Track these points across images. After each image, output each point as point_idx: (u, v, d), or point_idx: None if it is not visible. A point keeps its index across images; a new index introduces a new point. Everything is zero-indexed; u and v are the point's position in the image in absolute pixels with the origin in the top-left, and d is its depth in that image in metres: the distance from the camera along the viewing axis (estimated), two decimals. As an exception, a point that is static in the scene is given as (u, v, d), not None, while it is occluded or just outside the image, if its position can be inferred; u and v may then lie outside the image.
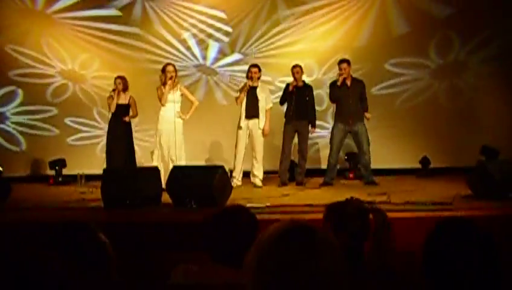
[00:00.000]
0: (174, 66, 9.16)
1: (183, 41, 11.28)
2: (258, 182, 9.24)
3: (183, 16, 11.22)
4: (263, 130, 9.22)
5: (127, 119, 9.30)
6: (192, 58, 11.29)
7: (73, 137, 11.47)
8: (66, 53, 11.33)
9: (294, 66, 9.41)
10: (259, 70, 9.30)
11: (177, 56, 11.16)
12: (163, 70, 9.03)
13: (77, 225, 2.30)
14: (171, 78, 8.88)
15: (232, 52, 11.30)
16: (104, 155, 9.50)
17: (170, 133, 8.86)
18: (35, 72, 11.38)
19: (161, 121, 8.96)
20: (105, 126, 9.89)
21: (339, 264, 1.39)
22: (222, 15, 11.19)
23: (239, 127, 9.26)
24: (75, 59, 11.36)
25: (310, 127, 9.40)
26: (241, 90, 9.29)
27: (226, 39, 11.25)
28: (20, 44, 11.31)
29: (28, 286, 1.17)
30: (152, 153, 9.43)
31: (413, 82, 10.98)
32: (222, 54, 11.34)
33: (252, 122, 9.22)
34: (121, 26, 11.26)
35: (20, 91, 11.45)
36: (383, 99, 10.79)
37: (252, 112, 9.21)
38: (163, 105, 8.92)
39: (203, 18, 11.24)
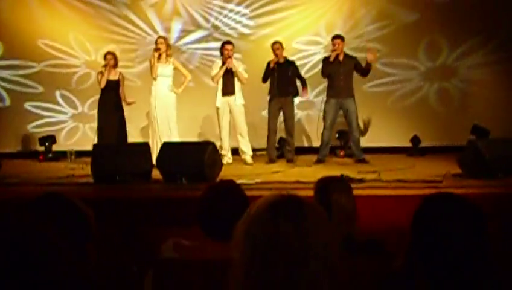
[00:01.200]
0: (164, 38, 9.10)
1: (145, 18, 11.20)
2: (249, 159, 9.24)
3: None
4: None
5: (129, 102, 9.32)
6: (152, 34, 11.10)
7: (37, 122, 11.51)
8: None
9: (274, 43, 9.38)
10: (233, 46, 9.28)
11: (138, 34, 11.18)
12: (155, 42, 8.99)
13: (53, 196, 2.29)
14: (157, 50, 8.83)
15: (198, 28, 11.21)
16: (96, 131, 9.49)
17: (163, 107, 8.83)
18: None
19: (154, 95, 8.90)
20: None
21: (328, 234, 1.39)
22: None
23: (218, 106, 9.23)
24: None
25: (301, 94, 9.46)
26: (220, 68, 9.14)
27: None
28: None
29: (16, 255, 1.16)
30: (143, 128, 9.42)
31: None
32: (186, 31, 11.24)
33: (231, 98, 9.19)
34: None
35: None
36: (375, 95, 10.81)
37: (229, 88, 9.17)
38: (154, 79, 8.87)
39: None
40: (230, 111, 9.24)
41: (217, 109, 9.25)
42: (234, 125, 9.33)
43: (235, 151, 9.45)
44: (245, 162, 9.20)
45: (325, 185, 3.04)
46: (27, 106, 11.39)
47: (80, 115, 11.41)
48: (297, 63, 9.78)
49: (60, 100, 11.43)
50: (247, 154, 9.27)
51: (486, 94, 10.70)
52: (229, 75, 9.16)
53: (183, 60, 10.71)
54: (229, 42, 9.35)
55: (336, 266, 1.38)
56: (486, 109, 10.51)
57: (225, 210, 2.62)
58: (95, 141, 8.92)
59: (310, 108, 10.98)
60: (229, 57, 9.09)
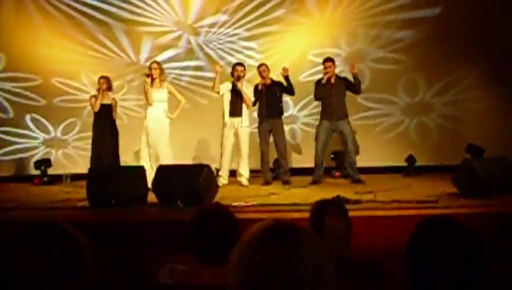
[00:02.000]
0: (158, 63, 9.11)
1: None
2: (244, 181, 9.23)
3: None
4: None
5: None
6: (172, 13, 11.20)
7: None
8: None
9: (260, 66, 9.45)
10: (245, 68, 9.31)
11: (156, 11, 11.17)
12: (149, 67, 9.02)
13: (48, 225, 2.28)
14: (149, 75, 8.85)
15: (216, 12, 11.21)
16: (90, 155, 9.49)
17: (157, 131, 8.83)
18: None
19: (148, 119, 8.92)
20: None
21: (324, 261, 1.39)
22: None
23: (224, 126, 9.24)
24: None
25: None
26: (216, 77, 9.16)
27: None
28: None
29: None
30: (137, 153, 9.40)
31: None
32: (205, 13, 11.25)
33: (236, 120, 9.21)
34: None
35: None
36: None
37: (236, 110, 9.20)
38: (149, 104, 8.88)
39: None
40: (236, 133, 9.25)
41: (223, 128, 9.24)
42: (237, 147, 9.32)
43: (232, 172, 9.44)
44: (241, 184, 9.19)
45: (319, 208, 3.08)
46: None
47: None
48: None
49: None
50: (244, 177, 9.27)
51: (481, 108, 10.84)
52: (237, 98, 9.19)
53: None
54: (240, 64, 9.40)
55: None
56: (481, 128, 10.56)
57: (214, 235, 2.62)
58: (87, 165, 8.93)
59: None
60: (239, 77, 9.14)
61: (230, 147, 9.28)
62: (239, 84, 9.13)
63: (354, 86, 9.16)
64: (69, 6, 11.16)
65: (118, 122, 9.60)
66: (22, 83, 11.37)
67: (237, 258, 1.40)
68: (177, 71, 11.25)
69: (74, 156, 11.46)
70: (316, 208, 3.11)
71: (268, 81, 9.33)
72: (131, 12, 11.15)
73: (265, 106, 9.21)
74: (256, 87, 9.34)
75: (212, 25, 11.19)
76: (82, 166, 10.63)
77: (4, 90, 11.40)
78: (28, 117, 11.47)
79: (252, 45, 11.11)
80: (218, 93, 9.22)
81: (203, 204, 2.76)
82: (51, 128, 11.52)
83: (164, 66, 9.37)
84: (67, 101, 11.38)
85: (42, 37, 11.09)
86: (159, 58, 10.35)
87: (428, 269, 1.88)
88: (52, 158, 11.24)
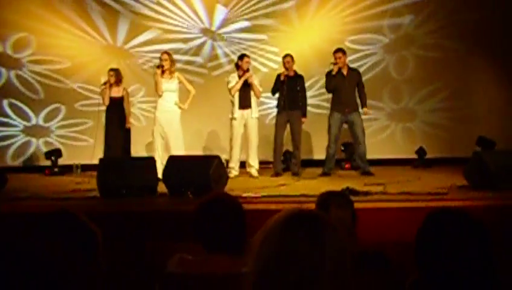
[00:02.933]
0: (168, 54, 9.11)
1: (190, 5, 11.22)
2: (254, 172, 9.25)
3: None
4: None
5: (128, 126, 9.35)
6: (197, 20, 11.27)
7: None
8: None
9: (285, 56, 9.39)
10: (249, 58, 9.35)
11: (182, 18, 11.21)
12: (160, 58, 9.02)
13: (61, 213, 2.31)
14: (160, 66, 8.87)
15: (238, 18, 11.25)
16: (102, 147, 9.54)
17: (169, 122, 8.86)
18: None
19: (159, 109, 8.94)
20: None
21: (343, 250, 1.41)
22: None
23: (233, 118, 9.26)
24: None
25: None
26: (237, 82, 9.18)
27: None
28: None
29: (21, 275, 1.17)
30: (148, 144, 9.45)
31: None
32: (228, 20, 11.30)
33: (246, 112, 9.22)
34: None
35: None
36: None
37: (246, 101, 9.21)
38: (159, 95, 8.90)
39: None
40: (246, 124, 9.26)
41: (232, 120, 9.26)
42: (246, 139, 9.34)
43: (241, 163, 9.46)
44: (251, 175, 9.20)
45: (324, 199, 3.10)
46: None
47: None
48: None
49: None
50: (254, 168, 9.28)
51: (492, 100, 10.83)
52: (246, 89, 9.20)
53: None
54: (246, 55, 9.40)
55: (348, 281, 1.40)
56: (492, 120, 10.52)
57: (218, 223, 2.63)
58: (101, 156, 8.95)
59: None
60: (248, 70, 9.16)
61: (240, 139, 9.30)
62: (248, 75, 9.15)
63: (363, 89, 9.21)
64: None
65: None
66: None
67: (258, 245, 1.42)
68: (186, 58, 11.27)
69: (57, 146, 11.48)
70: (321, 199, 3.13)
71: (291, 73, 9.31)
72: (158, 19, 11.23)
73: (286, 97, 9.17)
74: (278, 77, 9.33)
75: (234, 31, 11.27)
76: (66, 157, 10.76)
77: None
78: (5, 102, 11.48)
79: (274, 49, 11.07)
80: (234, 95, 9.26)
81: (207, 193, 2.78)
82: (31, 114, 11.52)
83: (175, 56, 9.41)
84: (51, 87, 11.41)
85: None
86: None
87: (436, 260, 1.88)
88: (32, 149, 11.35)
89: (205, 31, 11.31)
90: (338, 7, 10.98)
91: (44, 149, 11.14)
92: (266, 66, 11.07)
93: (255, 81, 9.26)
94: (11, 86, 11.35)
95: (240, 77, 9.18)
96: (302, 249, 1.38)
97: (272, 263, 1.38)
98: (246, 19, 11.18)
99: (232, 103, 9.27)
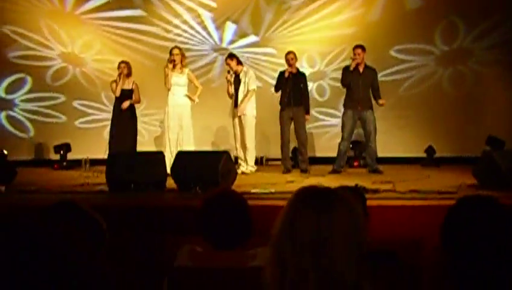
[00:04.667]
0: (179, 48, 9.13)
1: (201, 23, 11.28)
2: (248, 169, 9.31)
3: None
4: (238, 109, 9.25)
5: (125, 105, 9.28)
6: (209, 38, 11.33)
7: (82, 120, 11.52)
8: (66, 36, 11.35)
9: (288, 53, 9.38)
10: (231, 58, 9.36)
11: (194, 37, 11.19)
12: (170, 52, 9.02)
13: (66, 204, 2.31)
14: (172, 61, 8.87)
15: (248, 34, 11.32)
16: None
17: (179, 116, 8.87)
18: (36, 55, 11.41)
19: (170, 104, 8.96)
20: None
21: (355, 226, 1.44)
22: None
23: (232, 116, 9.37)
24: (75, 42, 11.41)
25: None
26: (229, 85, 9.34)
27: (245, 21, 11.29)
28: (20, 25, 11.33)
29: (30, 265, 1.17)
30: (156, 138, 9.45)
31: (417, 68, 10.94)
32: (237, 36, 11.37)
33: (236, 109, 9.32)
34: (126, 11, 11.28)
35: (28, 78, 11.44)
36: (387, 86, 10.75)
37: (239, 99, 9.27)
38: (168, 88, 8.91)
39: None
40: (240, 122, 9.33)
41: (232, 119, 9.39)
42: (241, 136, 9.39)
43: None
44: (242, 172, 9.16)
45: None
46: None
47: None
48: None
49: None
50: (248, 165, 9.34)
51: (500, 98, 10.71)
52: (239, 86, 9.29)
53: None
54: (228, 56, 9.51)
55: (363, 254, 1.43)
56: (501, 120, 10.46)
57: (223, 218, 2.62)
58: (107, 149, 8.99)
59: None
60: (229, 72, 9.32)
61: (239, 136, 9.36)
62: (227, 75, 9.37)
63: (377, 89, 9.19)
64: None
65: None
66: None
67: (277, 221, 1.48)
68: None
69: (23, 121, 11.51)
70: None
71: (294, 70, 9.30)
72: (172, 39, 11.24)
73: (289, 94, 9.17)
74: (282, 74, 9.33)
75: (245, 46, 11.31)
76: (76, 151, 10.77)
77: None
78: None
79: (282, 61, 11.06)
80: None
81: (212, 189, 2.78)
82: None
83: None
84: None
85: None
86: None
87: (465, 245, 1.85)
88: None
89: (215, 48, 11.37)
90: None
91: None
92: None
93: (244, 78, 9.31)
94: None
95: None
96: (309, 222, 1.42)
97: (284, 236, 1.44)
98: (256, 34, 11.26)
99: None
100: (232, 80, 9.30)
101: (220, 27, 11.32)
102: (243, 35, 11.31)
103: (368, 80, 9.08)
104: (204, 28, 11.32)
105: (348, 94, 9.17)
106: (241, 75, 9.30)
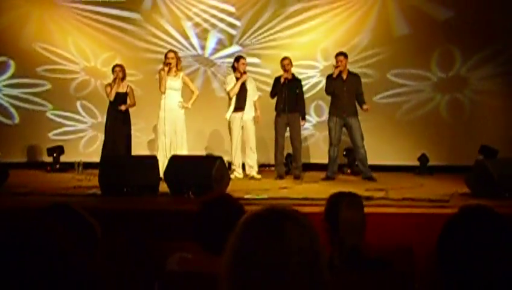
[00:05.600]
0: (175, 52, 9.13)
1: (183, 32, 11.26)
2: (255, 174, 9.28)
3: (186, 5, 11.28)
4: (257, 117, 9.32)
5: (123, 108, 9.27)
6: (190, 48, 11.31)
7: (57, 131, 11.56)
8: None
9: (284, 58, 9.37)
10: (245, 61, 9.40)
11: (175, 46, 11.08)
12: (165, 56, 9.01)
13: (60, 206, 2.30)
14: (167, 64, 8.85)
15: (231, 44, 11.31)
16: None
17: (173, 121, 8.84)
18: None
19: (163, 108, 8.90)
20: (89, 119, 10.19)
21: (311, 247, 1.38)
22: (227, 7, 11.21)
23: (230, 120, 9.29)
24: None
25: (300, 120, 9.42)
26: (235, 84, 9.23)
27: (231, 30, 11.28)
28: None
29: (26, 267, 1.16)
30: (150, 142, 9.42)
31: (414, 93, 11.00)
32: (221, 45, 11.35)
33: (243, 113, 9.25)
34: (123, 12, 11.32)
35: (11, 62, 11.44)
36: (385, 108, 10.79)
37: (242, 103, 9.25)
38: (162, 92, 8.88)
39: (207, 8, 11.27)
40: (243, 126, 9.27)
41: (229, 123, 9.29)
42: (244, 140, 9.36)
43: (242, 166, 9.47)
44: (252, 177, 9.19)
45: (335, 199, 3.06)
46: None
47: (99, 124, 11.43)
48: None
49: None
50: (254, 170, 9.30)
51: (495, 112, 10.71)
52: (242, 90, 9.21)
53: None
54: (242, 57, 9.47)
55: (323, 276, 1.38)
56: (494, 129, 10.49)
57: (220, 224, 2.61)
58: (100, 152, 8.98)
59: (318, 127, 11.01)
60: (245, 72, 9.21)
61: (239, 141, 9.33)
62: (245, 77, 9.24)
63: (361, 94, 9.18)
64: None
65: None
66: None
67: (229, 243, 1.42)
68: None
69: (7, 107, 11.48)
70: (332, 199, 3.08)
71: (290, 76, 9.30)
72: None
73: (285, 99, 9.15)
74: (277, 80, 9.33)
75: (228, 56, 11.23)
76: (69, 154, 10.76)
77: None
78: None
79: (266, 71, 11.06)
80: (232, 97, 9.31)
81: (210, 194, 2.77)
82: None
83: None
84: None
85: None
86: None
87: (463, 255, 1.83)
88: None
89: (198, 58, 11.37)
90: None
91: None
92: (260, 90, 10.92)
93: (250, 84, 9.37)
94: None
95: (237, 79, 9.20)
96: (262, 245, 1.36)
97: (236, 260, 1.38)
98: (240, 45, 11.24)
99: (228, 104, 9.29)
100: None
101: (202, 35, 11.34)
102: (226, 44, 11.34)
103: (352, 86, 9.09)
104: (186, 36, 11.33)
105: (333, 101, 9.18)
106: (247, 81, 9.30)
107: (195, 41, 11.32)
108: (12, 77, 11.44)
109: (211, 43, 11.34)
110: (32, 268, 1.15)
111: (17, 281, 1.14)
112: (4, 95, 11.46)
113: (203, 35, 11.32)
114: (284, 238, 1.36)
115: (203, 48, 11.35)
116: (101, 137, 10.10)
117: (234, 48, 11.22)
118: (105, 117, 9.61)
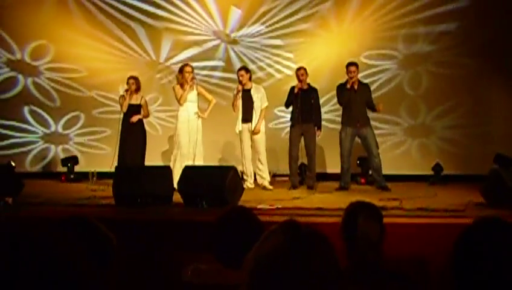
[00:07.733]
0: (191, 66, 9.17)
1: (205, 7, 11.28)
2: (268, 184, 9.26)
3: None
4: (254, 128, 9.25)
5: (134, 120, 9.30)
6: (212, 24, 11.34)
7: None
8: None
9: (299, 69, 9.38)
10: (247, 71, 9.37)
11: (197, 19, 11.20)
12: (181, 70, 9.05)
13: (77, 219, 2.31)
14: (192, 79, 8.93)
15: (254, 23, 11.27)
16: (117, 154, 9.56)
17: (191, 132, 8.88)
18: None
19: (180, 120, 8.96)
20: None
21: (328, 261, 1.38)
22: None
23: (239, 132, 9.33)
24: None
25: (316, 130, 9.38)
26: (235, 96, 9.30)
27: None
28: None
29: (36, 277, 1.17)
30: (164, 153, 9.44)
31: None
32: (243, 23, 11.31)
33: (249, 125, 9.30)
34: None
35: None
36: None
37: (248, 115, 9.26)
38: (181, 105, 8.93)
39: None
40: (252, 137, 9.29)
41: (240, 134, 9.32)
42: (254, 151, 9.38)
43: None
44: (264, 188, 9.19)
45: (353, 210, 2.98)
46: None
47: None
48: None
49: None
50: (266, 180, 9.30)
51: (509, 117, 10.68)
52: (248, 102, 9.23)
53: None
54: (241, 68, 9.50)
55: None
56: (509, 138, 10.42)
57: (238, 237, 2.60)
58: (115, 163, 8.99)
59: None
60: (241, 82, 9.24)
61: (249, 152, 9.36)
62: (240, 87, 9.27)
63: (370, 107, 9.16)
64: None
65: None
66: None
67: (249, 259, 1.42)
68: (204, 72, 11.29)
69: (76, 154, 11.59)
70: (349, 210, 3.00)
71: (305, 86, 9.29)
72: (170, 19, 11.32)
73: (299, 110, 9.14)
74: (292, 90, 9.32)
75: (249, 35, 11.23)
76: (84, 164, 10.90)
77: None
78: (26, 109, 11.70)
79: (289, 55, 11.07)
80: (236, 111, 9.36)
81: (228, 206, 2.77)
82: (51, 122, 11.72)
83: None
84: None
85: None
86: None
87: (478, 269, 1.81)
88: (51, 155, 11.58)
89: (219, 34, 11.34)
90: (356, 20, 10.95)
91: (62, 156, 11.25)
92: (280, 72, 11.01)
93: (257, 94, 9.35)
94: (30, 93, 11.54)
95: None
96: (285, 260, 1.36)
97: (260, 276, 1.38)
98: (262, 24, 11.18)
99: (236, 116, 9.37)
100: (241, 94, 9.27)
101: (224, 12, 11.27)
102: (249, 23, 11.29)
103: (363, 96, 9.09)
104: (208, 12, 11.30)
105: (346, 112, 9.15)
106: (253, 91, 9.29)
107: (216, 16, 11.31)
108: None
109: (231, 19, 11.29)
110: (42, 281, 1.16)
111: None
112: None
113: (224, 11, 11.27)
114: (308, 258, 1.37)
115: (224, 24, 11.32)
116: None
117: (257, 28, 11.21)
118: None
